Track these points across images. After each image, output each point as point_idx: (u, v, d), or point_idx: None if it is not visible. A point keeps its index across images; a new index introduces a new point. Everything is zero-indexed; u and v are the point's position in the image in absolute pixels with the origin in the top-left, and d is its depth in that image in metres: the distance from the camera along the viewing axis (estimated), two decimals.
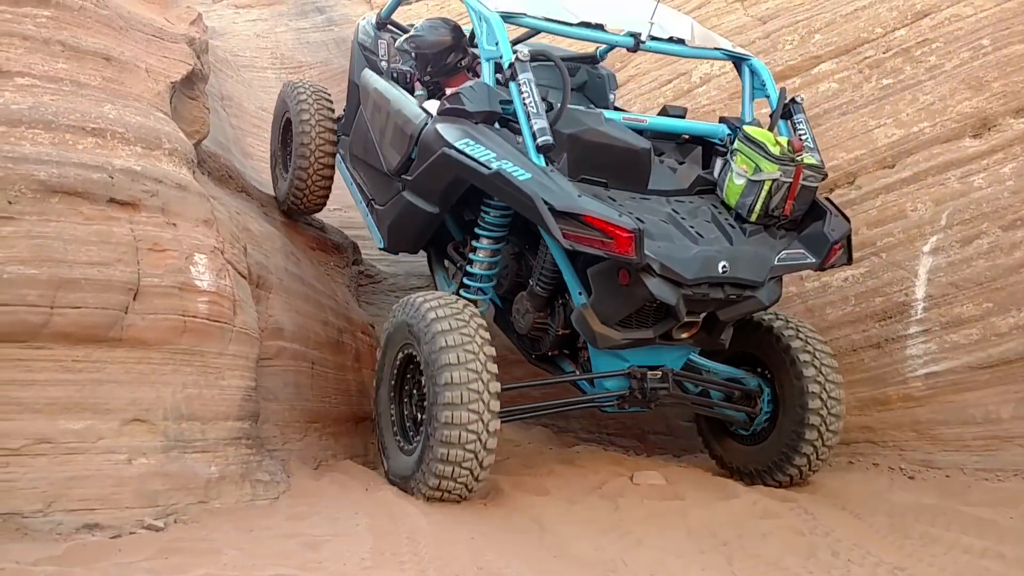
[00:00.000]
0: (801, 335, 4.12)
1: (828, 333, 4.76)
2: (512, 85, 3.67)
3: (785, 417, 4.12)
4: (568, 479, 4.20)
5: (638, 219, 3.42)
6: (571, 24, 4.10)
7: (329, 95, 5.51)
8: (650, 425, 5.29)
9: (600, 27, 4.15)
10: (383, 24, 5.15)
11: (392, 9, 5.21)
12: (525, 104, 3.59)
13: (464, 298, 4.00)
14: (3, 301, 2.92)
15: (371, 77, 4.80)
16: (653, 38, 4.16)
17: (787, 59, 5.70)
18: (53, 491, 2.89)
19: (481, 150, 3.65)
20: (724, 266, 3.52)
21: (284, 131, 5.63)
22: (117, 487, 2.99)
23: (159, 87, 4.01)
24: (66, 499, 2.90)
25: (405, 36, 4.69)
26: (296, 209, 5.59)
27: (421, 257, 6.90)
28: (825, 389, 4.03)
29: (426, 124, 4.08)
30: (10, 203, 3.08)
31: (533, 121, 3.55)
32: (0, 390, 2.89)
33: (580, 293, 3.71)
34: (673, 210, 3.70)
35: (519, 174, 3.48)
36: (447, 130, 3.84)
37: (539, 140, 3.51)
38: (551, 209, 3.35)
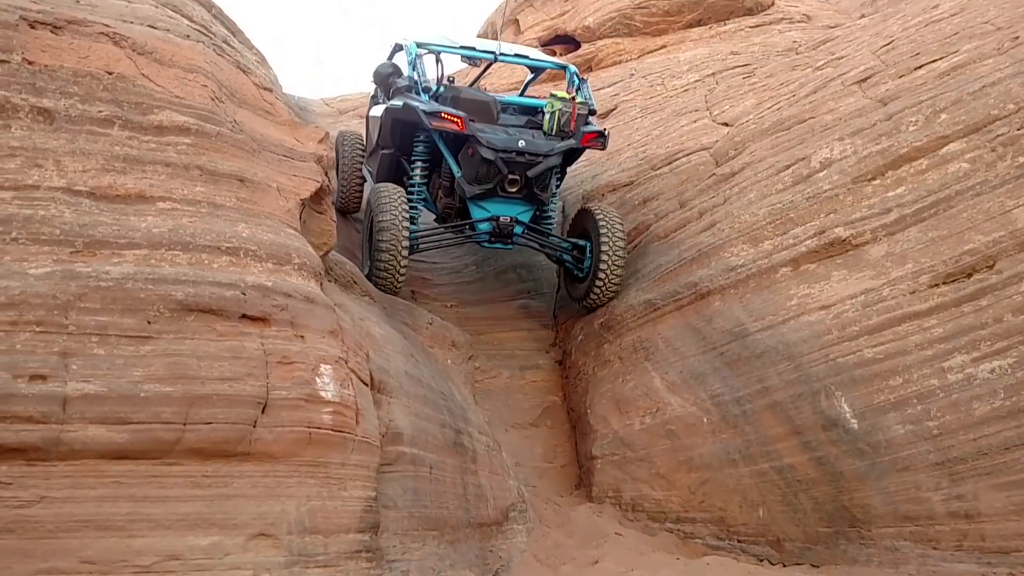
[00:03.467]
0: (610, 223, 6.98)
1: (976, 430, 4.43)
2: (418, 66, 7.19)
3: (593, 266, 7.01)
4: None
5: (481, 128, 6.50)
6: (455, 47, 7.48)
7: (362, 140, 8.84)
8: (784, 531, 5.00)
9: (472, 48, 7.63)
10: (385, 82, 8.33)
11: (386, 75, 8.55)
12: (420, 74, 7.10)
13: (408, 196, 6.99)
14: (140, 419, 3.06)
15: (372, 108, 8.43)
16: (503, 54, 7.53)
17: (912, 140, 5.49)
18: None
19: (401, 103, 6.92)
20: (522, 143, 6.53)
21: (338, 160, 8.89)
22: None
23: (289, 204, 4.21)
24: None
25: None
26: (341, 208, 8.58)
27: (531, 351, 7.11)
28: (612, 255, 6.88)
29: (387, 105, 7.44)
30: (149, 323, 3.26)
31: (421, 80, 7.03)
32: (135, 507, 2.99)
33: (458, 172, 6.78)
34: (507, 130, 6.66)
35: (414, 104, 6.70)
36: (391, 101, 7.27)
37: (423, 87, 6.95)
38: (424, 112, 6.54)
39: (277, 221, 4.01)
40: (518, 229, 6.88)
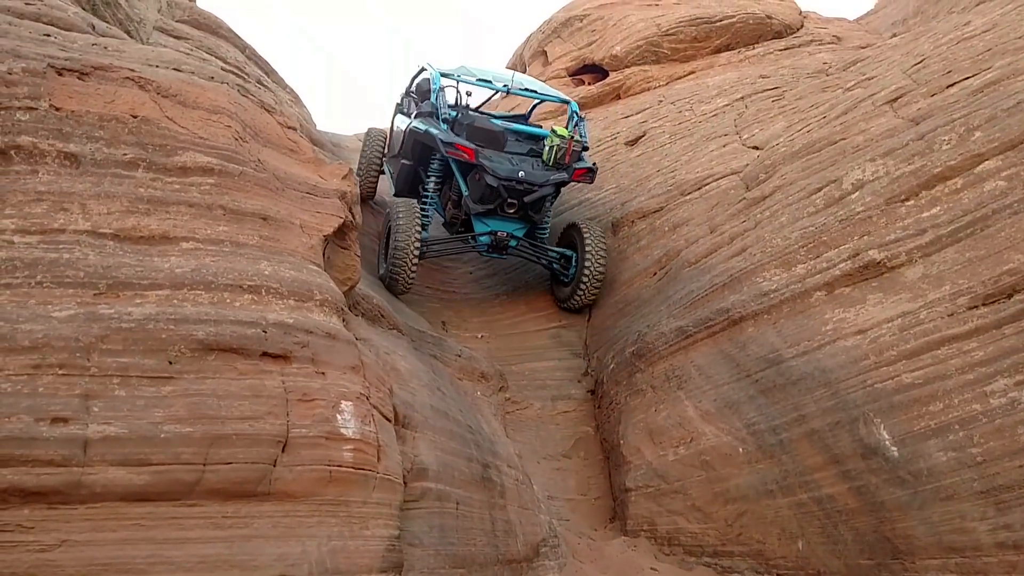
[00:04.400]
0: (593, 236, 8.19)
1: (1022, 456, 4.25)
2: (440, 97, 8.18)
3: (578, 272, 8.19)
4: None
5: (488, 157, 7.60)
6: (473, 79, 8.60)
7: (384, 137, 10.16)
8: (825, 564, 4.84)
9: (488, 81, 8.70)
10: (407, 92, 9.70)
11: (409, 87, 9.76)
12: (441, 105, 8.08)
13: (422, 207, 8.15)
14: (160, 460, 3.05)
15: (396, 117, 9.85)
16: (514, 88, 8.56)
17: (945, 159, 5.35)
18: None
19: (424, 126, 8.05)
20: (521, 174, 7.59)
21: (362, 153, 10.39)
22: None
23: (312, 241, 4.22)
24: None
25: (415, 82, 9.58)
26: (363, 193, 8.96)
27: (563, 381, 7.03)
28: (594, 263, 8.07)
29: (410, 124, 8.53)
30: (171, 363, 3.27)
31: (443, 112, 8.00)
32: (155, 549, 2.98)
33: (466, 191, 7.91)
34: (511, 157, 7.79)
35: (435, 131, 7.85)
36: (415, 123, 8.36)
37: (443, 118, 7.94)
38: (442, 141, 7.71)
39: (300, 258, 4.02)
40: (513, 243, 8.11)
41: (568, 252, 8.33)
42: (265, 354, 3.46)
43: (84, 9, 7.48)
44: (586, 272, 8.05)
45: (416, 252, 7.61)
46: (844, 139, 6.37)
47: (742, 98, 9.20)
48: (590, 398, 7.44)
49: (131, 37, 8.09)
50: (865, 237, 5.51)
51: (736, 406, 5.70)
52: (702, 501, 5.61)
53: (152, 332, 3.30)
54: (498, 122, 8.30)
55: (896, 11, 12.15)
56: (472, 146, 7.56)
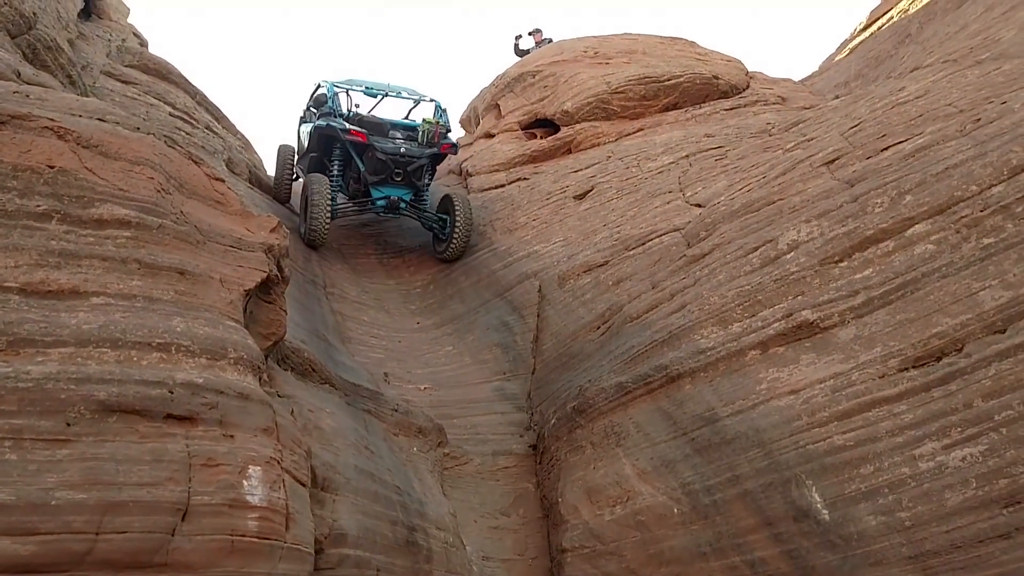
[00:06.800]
0: (462, 204, 10.80)
1: (949, 521, 4.23)
2: (335, 100, 11.26)
3: (450, 231, 10.77)
4: None
5: (377, 140, 10.69)
6: (357, 88, 11.84)
7: (294, 152, 12.61)
8: None
9: (371, 88, 11.98)
10: (308, 105, 12.16)
11: (310, 101, 12.19)
12: (336, 106, 11.18)
13: (331, 182, 10.71)
14: (48, 529, 2.88)
15: (301, 127, 12.28)
16: (390, 93, 12.12)
17: (878, 222, 5.42)
18: None
19: (326, 122, 10.89)
20: (403, 149, 10.70)
21: (277, 165, 12.69)
22: None
23: (232, 296, 4.11)
24: None
25: (315, 96, 11.90)
26: (276, 198, 12.25)
27: (505, 436, 6.92)
28: (464, 223, 10.65)
29: (315, 123, 11.19)
30: (68, 425, 3.12)
31: (339, 111, 11.06)
32: None
33: (363, 167, 10.73)
34: (394, 141, 10.74)
35: (335, 124, 10.78)
36: (319, 122, 11.10)
37: (339, 115, 11.02)
38: (341, 130, 10.67)
39: (217, 313, 3.91)
40: (403, 205, 10.84)
41: (444, 216, 10.98)
42: (169, 416, 3.32)
43: (25, 55, 7.38)
44: (456, 230, 10.66)
45: (328, 213, 10.28)
46: (782, 199, 6.43)
47: (687, 156, 9.33)
48: (532, 453, 7.32)
49: (73, 82, 7.99)
50: (799, 297, 5.54)
51: (672, 465, 5.64)
52: (637, 563, 5.51)
53: (51, 392, 3.15)
54: (382, 117, 11.22)
55: (839, 73, 12.49)
56: (363, 131, 10.57)
